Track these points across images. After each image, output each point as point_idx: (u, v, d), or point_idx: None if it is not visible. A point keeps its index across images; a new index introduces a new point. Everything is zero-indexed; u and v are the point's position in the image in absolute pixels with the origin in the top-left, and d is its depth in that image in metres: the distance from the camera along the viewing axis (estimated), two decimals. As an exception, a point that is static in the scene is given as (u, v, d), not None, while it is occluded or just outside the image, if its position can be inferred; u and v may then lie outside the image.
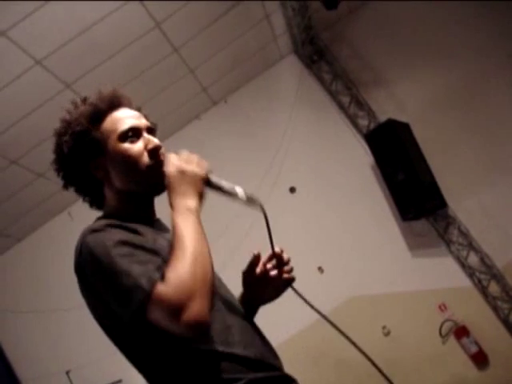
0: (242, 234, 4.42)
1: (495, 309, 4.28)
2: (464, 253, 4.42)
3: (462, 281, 4.40)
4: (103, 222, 1.31)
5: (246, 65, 4.91)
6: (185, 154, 1.35)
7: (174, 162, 1.32)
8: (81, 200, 1.52)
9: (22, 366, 5.00)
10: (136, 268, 1.16)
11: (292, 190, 4.87)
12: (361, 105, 4.82)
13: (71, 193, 1.52)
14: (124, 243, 1.21)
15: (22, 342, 5.00)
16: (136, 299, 1.13)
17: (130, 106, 1.48)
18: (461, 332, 4.21)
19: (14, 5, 3.10)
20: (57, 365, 4.76)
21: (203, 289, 1.14)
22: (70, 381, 4.69)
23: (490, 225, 4.41)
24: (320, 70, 4.96)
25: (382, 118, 4.61)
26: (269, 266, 1.49)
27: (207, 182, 1.33)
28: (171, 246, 1.21)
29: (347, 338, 1.44)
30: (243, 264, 1.49)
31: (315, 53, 4.95)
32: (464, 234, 4.45)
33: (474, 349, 4.17)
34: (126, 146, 1.38)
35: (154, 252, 1.23)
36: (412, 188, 4.26)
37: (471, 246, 4.42)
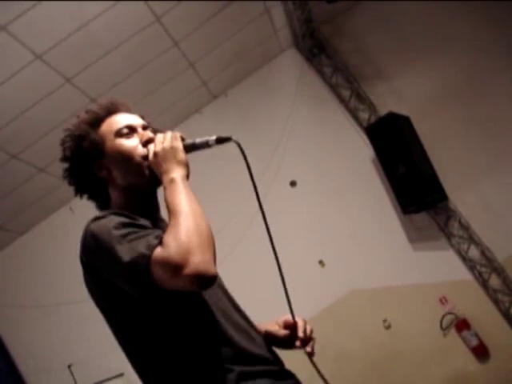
0: (243, 227, 4.41)
1: (496, 302, 4.29)
2: (465, 246, 4.42)
3: (463, 274, 4.41)
4: (107, 211, 1.40)
5: (247, 58, 4.90)
6: (159, 137, 1.43)
7: (153, 150, 1.41)
8: (82, 195, 1.57)
9: (24, 360, 5.02)
10: (137, 242, 1.24)
11: (293, 183, 4.86)
12: (361, 98, 4.80)
13: (72, 188, 1.54)
14: (125, 225, 1.30)
15: (23, 336, 5.01)
16: (140, 266, 1.20)
17: (128, 112, 1.55)
18: (462, 325, 4.23)
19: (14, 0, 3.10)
20: (59, 359, 4.78)
21: (200, 242, 1.21)
22: (72, 375, 4.71)
23: (490, 218, 4.42)
24: (320, 63, 4.94)
25: (383, 112, 4.60)
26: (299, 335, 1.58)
27: (185, 149, 1.40)
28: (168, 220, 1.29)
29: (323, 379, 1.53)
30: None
31: (315, 46, 4.93)
32: (465, 227, 4.45)
33: (474, 342, 4.18)
34: (122, 141, 1.47)
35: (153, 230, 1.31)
36: (413, 181, 4.26)
37: (472, 239, 4.43)
